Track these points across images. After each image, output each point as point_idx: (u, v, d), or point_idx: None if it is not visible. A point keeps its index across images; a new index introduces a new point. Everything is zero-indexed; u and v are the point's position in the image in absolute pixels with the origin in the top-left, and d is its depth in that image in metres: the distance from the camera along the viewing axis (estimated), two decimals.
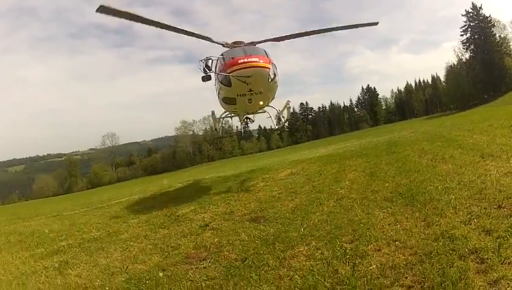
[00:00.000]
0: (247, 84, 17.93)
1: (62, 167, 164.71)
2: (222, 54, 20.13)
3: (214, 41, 20.38)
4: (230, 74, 17.71)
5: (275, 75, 19.27)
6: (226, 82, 18.70)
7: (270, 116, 23.55)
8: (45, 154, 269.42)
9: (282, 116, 23.83)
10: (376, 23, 22.08)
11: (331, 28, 22.36)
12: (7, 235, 18.27)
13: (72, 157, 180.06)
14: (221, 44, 20.71)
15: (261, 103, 20.83)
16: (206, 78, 18.93)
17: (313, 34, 21.94)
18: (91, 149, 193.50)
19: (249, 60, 17.61)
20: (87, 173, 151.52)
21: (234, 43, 20.69)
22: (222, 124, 29.30)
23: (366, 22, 21.53)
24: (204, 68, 18.69)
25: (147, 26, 17.67)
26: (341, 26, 22.36)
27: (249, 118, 23.88)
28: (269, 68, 18.10)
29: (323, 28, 21.07)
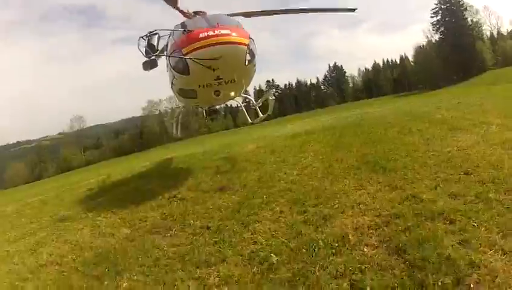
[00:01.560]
0: (214, 70, 13.11)
1: (32, 153, 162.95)
2: (175, 27, 15.23)
3: (175, 7, 16.15)
4: (187, 56, 12.95)
5: (254, 54, 14.15)
6: (181, 68, 13.74)
7: (242, 107, 19.38)
8: (15, 141, 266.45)
9: (260, 109, 18.09)
10: (354, 10, 19.70)
11: (308, 9, 19.46)
12: None
13: (42, 142, 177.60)
14: (181, 11, 16.44)
15: (233, 93, 15.93)
16: (149, 65, 13.94)
17: (287, 12, 19.74)
18: (60, 133, 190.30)
19: (217, 32, 12.89)
20: (57, 158, 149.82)
21: (195, 13, 16.35)
22: (179, 121, 21.48)
23: (343, 8, 19.89)
24: (146, 49, 13.07)
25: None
26: (318, 9, 19.32)
27: (215, 110, 19.43)
28: (246, 44, 13.37)
29: (299, 7, 18.89)
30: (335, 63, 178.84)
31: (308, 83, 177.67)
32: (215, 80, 13.70)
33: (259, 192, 10.89)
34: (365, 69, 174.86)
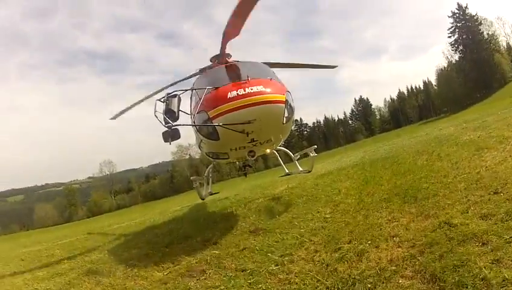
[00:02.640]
0: (248, 134, 11.48)
1: (61, 196, 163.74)
2: (195, 85, 13.97)
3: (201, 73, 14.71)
4: (214, 123, 11.34)
5: (292, 110, 12.44)
6: (209, 134, 12.08)
7: (279, 159, 17.78)
8: (43, 183, 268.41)
9: (302, 171, 16.19)
10: (335, 67, 19.93)
11: (296, 64, 18.68)
12: (9, 261, 18.17)
13: (71, 186, 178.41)
14: (199, 72, 14.90)
15: (268, 151, 14.40)
16: (170, 136, 11.23)
17: (280, 66, 16.94)
18: (89, 177, 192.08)
19: (248, 90, 11.05)
20: (87, 202, 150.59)
21: (215, 57, 14.49)
22: (211, 183, 18.12)
23: (326, 64, 19.81)
24: (165, 117, 11.14)
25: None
26: (303, 64, 18.81)
27: (249, 165, 15.85)
28: (284, 101, 11.60)
29: (289, 62, 17.89)
30: (360, 96, 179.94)
31: (336, 118, 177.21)
32: (249, 142, 11.96)
33: (292, 232, 10.81)
34: (390, 99, 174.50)
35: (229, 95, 11.09)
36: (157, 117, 11.30)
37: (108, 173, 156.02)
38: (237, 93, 11.04)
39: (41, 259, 16.59)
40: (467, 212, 8.18)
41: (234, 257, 9.96)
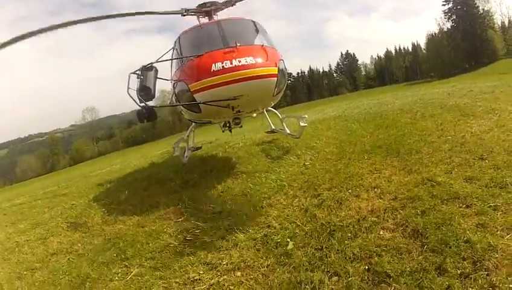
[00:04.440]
0: (233, 108, 10.58)
1: (44, 146, 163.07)
2: (176, 47, 12.58)
3: (184, 14, 13.42)
4: (196, 98, 10.38)
5: (284, 79, 11.50)
6: (191, 107, 11.12)
7: (266, 115, 15.84)
8: (26, 135, 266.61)
9: (289, 134, 14.56)
10: None
11: None
12: None
13: (54, 135, 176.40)
14: (182, 12, 13.40)
15: (255, 115, 13.44)
16: (145, 116, 10.10)
17: None
18: (72, 125, 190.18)
19: (235, 63, 9.86)
20: (69, 150, 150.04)
21: (202, 5, 13.26)
22: (193, 140, 16.63)
23: None
24: (139, 94, 10.18)
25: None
26: None
27: (237, 120, 12.13)
28: (276, 74, 10.39)
29: None
30: (347, 50, 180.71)
31: (321, 70, 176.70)
32: (235, 112, 10.93)
33: (272, 176, 10.79)
34: (377, 56, 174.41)
35: (214, 68, 9.88)
36: (130, 95, 10.26)
37: (90, 119, 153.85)
38: (223, 66, 9.83)
39: (23, 211, 16.41)
40: (451, 173, 8.17)
41: (212, 199, 9.97)
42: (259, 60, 10.09)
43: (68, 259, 8.47)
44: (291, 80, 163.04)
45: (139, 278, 6.68)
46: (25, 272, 8.40)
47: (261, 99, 11.19)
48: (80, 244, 9.18)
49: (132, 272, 6.90)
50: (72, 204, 14.10)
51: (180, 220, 9.07)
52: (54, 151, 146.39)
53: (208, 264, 6.58)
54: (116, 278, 6.90)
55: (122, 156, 55.40)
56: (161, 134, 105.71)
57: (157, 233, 8.52)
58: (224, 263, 6.46)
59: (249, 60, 9.92)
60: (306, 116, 13.56)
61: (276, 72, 10.42)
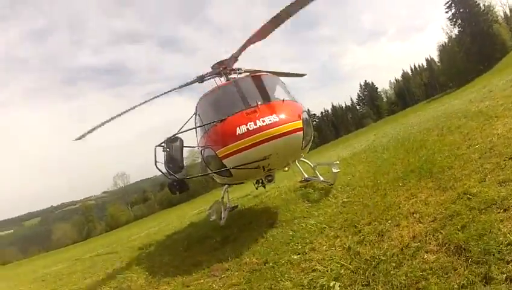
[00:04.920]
0: (264, 168, 10.69)
1: (78, 214, 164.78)
2: (198, 112, 12.87)
3: (201, 82, 13.84)
4: (226, 164, 10.51)
5: (310, 129, 11.80)
6: (220, 172, 11.12)
7: (298, 165, 14.97)
8: (59, 203, 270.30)
9: (323, 181, 13.91)
10: (303, 75, 19.44)
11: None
12: (31, 282, 18.69)
13: (87, 202, 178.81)
14: (198, 80, 13.85)
15: (287, 169, 13.81)
16: (177, 190, 10.39)
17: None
18: (104, 192, 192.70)
19: (260, 124, 9.97)
20: (104, 217, 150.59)
21: (213, 68, 13.60)
22: (228, 200, 15.56)
23: (295, 73, 18.42)
24: (167, 166, 10.69)
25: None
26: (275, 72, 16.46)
27: (269, 177, 11.87)
28: (301, 128, 10.60)
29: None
30: (365, 81, 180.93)
31: (344, 105, 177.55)
32: (266, 171, 11.01)
33: (311, 220, 10.70)
34: (395, 80, 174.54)
35: (238, 131, 10.02)
36: (158, 169, 10.58)
37: (122, 185, 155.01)
38: (247, 128, 9.96)
39: (62, 277, 16.84)
40: (485, 181, 8.07)
41: (254, 251, 9.90)
42: (283, 116, 10.22)
43: None
44: (316, 120, 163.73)
45: None
46: None
47: (291, 155, 11.34)
48: None
49: None
50: (113, 269, 14.18)
51: (224, 276, 9.03)
52: (89, 219, 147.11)
53: None
54: None
55: (158, 218, 55.81)
56: (195, 193, 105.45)
57: None
58: None
59: (273, 118, 10.05)
60: (337, 161, 13.47)
61: (301, 126, 10.57)
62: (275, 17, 10.07)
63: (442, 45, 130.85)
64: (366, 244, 7.60)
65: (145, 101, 14.45)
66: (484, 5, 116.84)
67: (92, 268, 16.73)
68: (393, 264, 6.32)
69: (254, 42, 11.42)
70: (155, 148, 10.56)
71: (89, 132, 14.64)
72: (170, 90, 14.46)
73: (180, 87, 14.26)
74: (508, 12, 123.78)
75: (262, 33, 10.87)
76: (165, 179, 10.75)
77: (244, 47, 11.85)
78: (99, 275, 14.11)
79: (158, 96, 14.45)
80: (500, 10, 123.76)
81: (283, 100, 11.19)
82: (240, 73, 13.54)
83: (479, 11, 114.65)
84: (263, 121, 9.96)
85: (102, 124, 14.45)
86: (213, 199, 17.49)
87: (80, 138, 14.90)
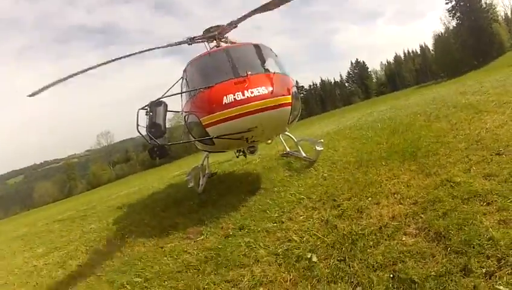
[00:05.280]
0: (248, 139, 10.53)
1: (60, 172, 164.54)
2: (185, 76, 12.53)
3: (190, 43, 13.44)
4: (209, 133, 10.27)
5: (298, 105, 11.68)
6: (202, 140, 10.90)
7: (281, 138, 15.49)
8: (42, 161, 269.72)
9: (305, 157, 13.70)
10: None
11: None
12: (10, 241, 18.57)
13: (70, 161, 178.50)
14: (188, 41, 13.43)
15: (270, 141, 13.41)
16: (157, 156, 9.88)
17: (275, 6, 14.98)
18: (87, 151, 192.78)
19: (248, 95, 9.74)
20: (86, 175, 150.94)
21: (207, 31, 13.08)
22: (208, 167, 16.07)
23: None
24: (149, 131, 10.17)
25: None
26: None
27: (251, 148, 11.55)
28: (290, 102, 10.43)
29: None
30: (357, 59, 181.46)
31: (332, 81, 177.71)
32: (249, 142, 10.78)
33: (290, 190, 10.70)
34: (387, 62, 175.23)
35: (225, 100, 9.78)
36: (140, 133, 10.22)
37: (106, 144, 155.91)
38: (234, 98, 9.73)
39: (41, 236, 16.88)
40: (469, 172, 8.06)
41: (231, 216, 9.89)
42: (272, 90, 9.97)
43: (87, 282, 8.51)
44: (304, 92, 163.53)
45: None
46: None
47: (276, 128, 11.20)
48: (99, 267, 9.18)
49: None
50: (91, 228, 14.33)
51: (199, 239, 9.03)
52: (71, 177, 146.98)
53: (229, 282, 6.55)
54: None
55: (140, 178, 55.67)
56: (178, 155, 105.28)
57: (177, 253, 8.51)
58: (246, 279, 6.42)
59: (262, 90, 9.82)
60: (322, 140, 13.19)
61: (290, 100, 10.38)
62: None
63: (439, 34, 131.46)
64: (344, 219, 7.60)
65: (129, 54, 13.85)
66: (486, 2, 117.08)
67: (70, 226, 16.84)
68: (371, 243, 6.31)
69: (260, 12, 11.21)
70: (138, 112, 10.13)
71: (43, 89, 13.98)
72: (158, 48, 14.17)
73: (169, 45, 13.87)
74: (509, 13, 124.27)
75: (270, 5, 10.69)
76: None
77: (247, 16, 11.65)
78: (77, 234, 14.19)
79: (145, 50, 14.01)
80: (501, 10, 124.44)
81: (274, 73, 10.89)
82: (235, 26, 13.10)
83: (480, 7, 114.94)
84: (251, 92, 9.73)
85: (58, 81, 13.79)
86: (195, 161, 17.49)
87: (32, 95, 14.06)
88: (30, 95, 13.91)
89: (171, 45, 13.74)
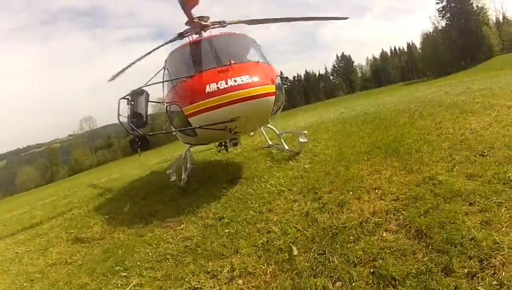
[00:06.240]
0: (231, 130, 10.40)
1: (43, 156, 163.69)
2: (167, 66, 12.28)
3: (181, 38, 13.26)
4: (192, 123, 10.12)
5: (282, 95, 11.57)
6: (186, 131, 10.69)
7: (262, 131, 14.27)
8: (25, 146, 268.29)
9: (288, 150, 13.28)
10: (346, 18, 17.90)
11: (307, 18, 17.26)
12: None
13: (52, 145, 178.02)
14: (178, 38, 13.33)
15: (252, 134, 14.58)
16: (139, 146, 9.90)
17: (289, 20, 15.86)
18: (70, 135, 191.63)
19: (231, 83, 9.58)
20: (68, 160, 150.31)
21: (192, 21, 12.23)
22: (190, 161, 14.10)
23: (335, 16, 18.09)
24: (130, 121, 10.18)
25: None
26: (313, 17, 16.77)
27: (233, 140, 12.03)
28: (274, 92, 10.36)
29: (299, 16, 15.56)
30: (343, 53, 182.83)
31: (317, 73, 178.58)
32: (232, 134, 10.83)
33: (271, 181, 10.67)
34: (373, 57, 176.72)
35: (208, 89, 9.62)
36: (121, 123, 10.23)
37: (88, 129, 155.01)
38: (217, 87, 9.57)
39: (22, 222, 16.77)
40: (452, 171, 8.05)
41: (211, 206, 9.84)
42: (256, 79, 9.89)
43: (68, 270, 8.44)
44: (288, 84, 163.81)
45: (139, 288, 6.59)
46: (24, 284, 8.43)
47: (259, 119, 11.13)
48: (79, 255, 9.18)
49: (132, 282, 6.80)
50: (72, 214, 14.19)
51: (179, 228, 8.97)
52: (53, 162, 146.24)
53: (208, 273, 6.46)
54: (116, 289, 6.82)
55: (121, 165, 55.62)
56: (160, 142, 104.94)
57: (157, 242, 8.43)
58: (225, 271, 6.34)
59: (245, 79, 9.70)
60: (305, 131, 13.05)
61: (274, 90, 10.31)
62: (276, 19, 11.18)
63: (427, 33, 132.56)
64: (324, 213, 7.55)
65: (135, 61, 14.84)
66: (477, 6, 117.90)
67: (52, 213, 16.65)
68: (351, 237, 6.25)
69: (255, 24, 11.97)
70: (118, 101, 10.13)
71: (120, 72, 15.24)
72: (153, 50, 14.24)
73: (165, 44, 13.90)
74: (500, 18, 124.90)
75: (259, 22, 11.27)
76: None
77: (240, 22, 12.10)
78: (58, 220, 14.15)
79: (143, 56, 14.59)
80: (492, 15, 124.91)
81: (257, 62, 10.97)
82: (224, 26, 13.20)
83: (471, 10, 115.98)
84: (235, 81, 9.61)
85: (129, 65, 14.93)
86: (176, 149, 17.43)
87: (112, 79, 15.46)
88: (110, 80, 15.45)
89: (167, 43, 13.82)
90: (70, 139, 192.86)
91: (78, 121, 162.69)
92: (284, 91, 11.80)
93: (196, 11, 11.60)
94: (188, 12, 11.36)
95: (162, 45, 14.04)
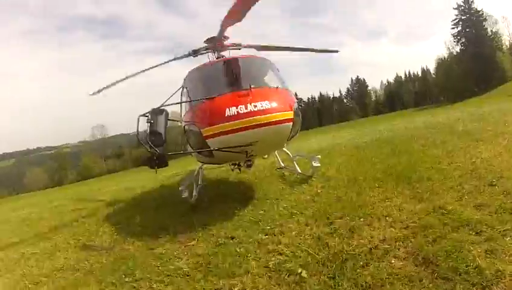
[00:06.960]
0: (247, 153, 10.37)
1: (52, 160, 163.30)
2: (186, 85, 12.38)
3: (194, 55, 13.57)
4: (210, 145, 10.08)
5: (299, 121, 11.37)
6: (201, 150, 10.68)
7: (277, 155, 15.35)
8: (35, 147, 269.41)
9: (300, 172, 13.37)
10: (336, 51, 18.74)
11: (302, 48, 16.10)
12: None
13: (62, 150, 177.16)
14: (192, 54, 13.59)
15: (266, 157, 14.52)
16: (155, 165, 9.84)
17: (285, 50, 15.42)
18: (80, 141, 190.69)
19: (250, 108, 9.56)
20: (78, 166, 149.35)
21: (219, 39, 12.78)
22: (201, 178, 13.59)
23: (327, 49, 18.32)
24: (149, 139, 9.83)
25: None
26: (308, 49, 16.16)
27: (248, 162, 12.12)
28: (292, 119, 10.29)
29: (295, 46, 15.28)
30: (357, 76, 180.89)
31: (331, 96, 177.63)
32: (247, 157, 10.85)
33: (283, 203, 10.73)
34: (387, 82, 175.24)
35: (227, 113, 9.58)
36: (139, 141, 10.13)
37: (100, 137, 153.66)
38: (237, 111, 9.53)
39: (30, 223, 16.87)
40: (461, 200, 8.14)
41: (223, 225, 9.87)
42: (275, 105, 9.85)
43: (76, 276, 8.51)
44: (302, 105, 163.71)
45: None
46: (29, 286, 8.52)
47: (276, 144, 11.23)
48: (87, 262, 9.20)
49: None
50: (81, 221, 14.27)
51: (191, 244, 9.03)
52: (62, 166, 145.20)
53: None
54: None
55: (130, 174, 55.50)
56: (171, 155, 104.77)
57: (168, 256, 8.50)
58: (236, 289, 6.45)
59: (265, 104, 9.68)
60: (319, 156, 13.20)
61: (292, 117, 10.25)
62: (278, 47, 11.19)
63: (441, 58, 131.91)
64: (336, 238, 7.62)
65: (143, 70, 14.74)
66: (491, 30, 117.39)
67: (60, 216, 16.82)
68: (361, 263, 6.36)
69: (231, 24, 11.10)
70: (138, 118, 9.92)
71: (105, 88, 15.14)
72: (164, 63, 14.45)
73: (175, 59, 14.06)
74: None
75: (236, 14, 10.26)
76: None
77: (222, 27, 11.48)
78: (66, 225, 14.17)
79: (152, 67, 14.64)
80: (506, 40, 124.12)
81: (277, 87, 10.99)
82: (239, 48, 13.45)
83: (485, 35, 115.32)
84: (255, 106, 9.57)
85: (114, 83, 15.03)
86: (187, 164, 17.49)
87: (93, 94, 15.26)
88: (92, 94, 15.20)
89: (177, 59, 13.98)
90: (80, 145, 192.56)
91: (88, 128, 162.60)
92: (300, 116, 11.50)
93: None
94: (223, 30, 11.59)
95: (170, 60, 14.28)
